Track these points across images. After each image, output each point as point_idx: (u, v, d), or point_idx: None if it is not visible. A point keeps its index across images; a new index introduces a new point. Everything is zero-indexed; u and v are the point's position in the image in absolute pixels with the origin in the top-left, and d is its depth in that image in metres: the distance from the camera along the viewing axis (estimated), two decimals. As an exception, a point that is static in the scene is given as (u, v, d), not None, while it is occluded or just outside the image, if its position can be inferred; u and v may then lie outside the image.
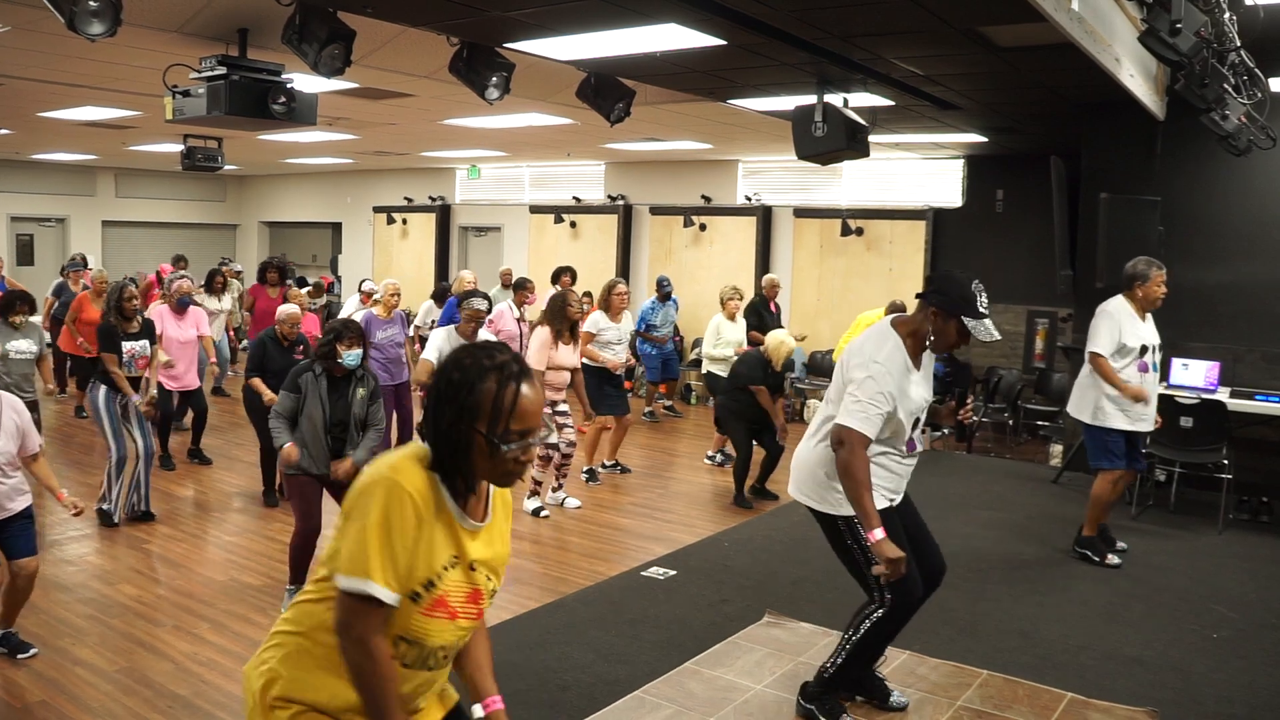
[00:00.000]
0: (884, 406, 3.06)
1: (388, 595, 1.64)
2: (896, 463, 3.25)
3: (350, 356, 4.51)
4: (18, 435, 3.89)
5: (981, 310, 3.08)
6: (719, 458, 7.90)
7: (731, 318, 7.99)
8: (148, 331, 6.05)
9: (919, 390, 3.21)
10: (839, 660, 3.35)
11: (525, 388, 1.69)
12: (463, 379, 1.68)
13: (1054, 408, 8.85)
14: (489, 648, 1.98)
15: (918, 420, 3.24)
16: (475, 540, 1.78)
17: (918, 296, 3.23)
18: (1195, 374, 6.57)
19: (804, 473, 3.31)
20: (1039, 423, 9.27)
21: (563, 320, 6.07)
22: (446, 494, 1.72)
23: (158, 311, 7.15)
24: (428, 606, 1.70)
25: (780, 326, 8.42)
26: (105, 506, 5.79)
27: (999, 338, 3.15)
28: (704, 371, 8.12)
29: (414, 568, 1.68)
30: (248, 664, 1.84)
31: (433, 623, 1.72)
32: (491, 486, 1.83)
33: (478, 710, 1.90)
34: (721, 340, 7.86)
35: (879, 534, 2.97)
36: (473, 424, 1.67)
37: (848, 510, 3.14)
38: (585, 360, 6.84)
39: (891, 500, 3.27)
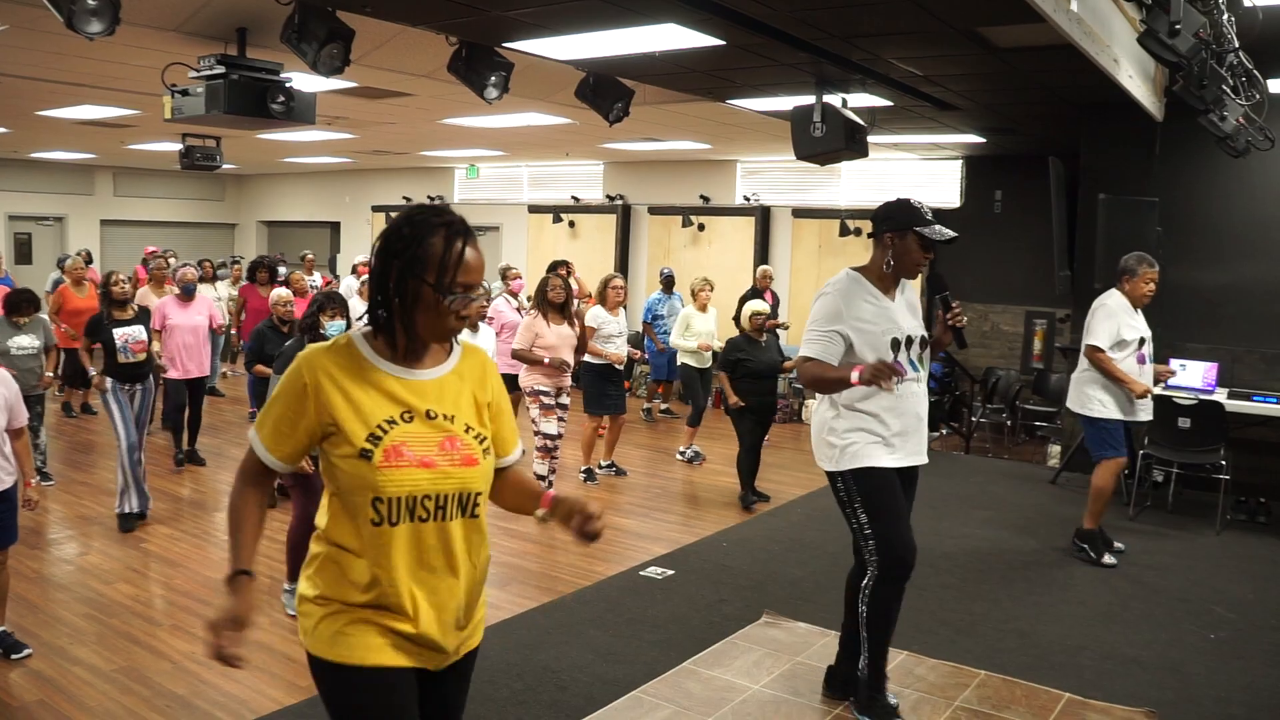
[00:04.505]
0: (825, 326, 3.18)
1: (260, 448, 1.84)
2: (887, 397, 3.18)
3: (334, 327, 4.52)
4: (5, 410, 3.82)
5: (928, 218, 3.19)
6: (689, 453, 7.90)
7: (702, 309, 7.98)
8: (143, 318, 6.03)
9: (898, 318, 3.24)
10: (866, 648, 3.36)
11: (470, 245, 1.81)
12: (413, 234, 1.79)
13: (1052, 408, 8.86)
14: (524, 476, 2.12)
15: (899, 344, 3.22)
16: (427, 391, 1.85)
17: (870, 235, 3.35)
18: (1193, 375, 6.57)
19: (814, 437, 3.41)
20: (1037, 423, 9.28)
21: (544, 303, 6.25)
22: (371, 353, 1.83)
23: (162, 303, 7.14)
24: (382, 460, 1.76)
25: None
26: (125, 509, 5.68)
27: (954, 235, 3.22)
28: (678, 364, 8.14)
29: (350, 429, 1.77)
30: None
31: (398, 473, 1.77)
32: (457, 346, 1.95)
33: (540, 512, 2.04)
34: (690, 332, 7.87)
35: (855, 375, 3.04)
36: (421, 276, 1.77)
37: (844, 465, 3.23)
38: (588, 357, 6.86)
39: (909, 454, 3.25)
